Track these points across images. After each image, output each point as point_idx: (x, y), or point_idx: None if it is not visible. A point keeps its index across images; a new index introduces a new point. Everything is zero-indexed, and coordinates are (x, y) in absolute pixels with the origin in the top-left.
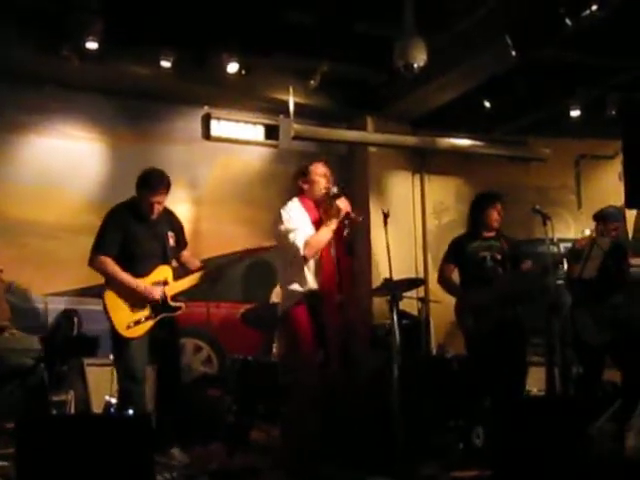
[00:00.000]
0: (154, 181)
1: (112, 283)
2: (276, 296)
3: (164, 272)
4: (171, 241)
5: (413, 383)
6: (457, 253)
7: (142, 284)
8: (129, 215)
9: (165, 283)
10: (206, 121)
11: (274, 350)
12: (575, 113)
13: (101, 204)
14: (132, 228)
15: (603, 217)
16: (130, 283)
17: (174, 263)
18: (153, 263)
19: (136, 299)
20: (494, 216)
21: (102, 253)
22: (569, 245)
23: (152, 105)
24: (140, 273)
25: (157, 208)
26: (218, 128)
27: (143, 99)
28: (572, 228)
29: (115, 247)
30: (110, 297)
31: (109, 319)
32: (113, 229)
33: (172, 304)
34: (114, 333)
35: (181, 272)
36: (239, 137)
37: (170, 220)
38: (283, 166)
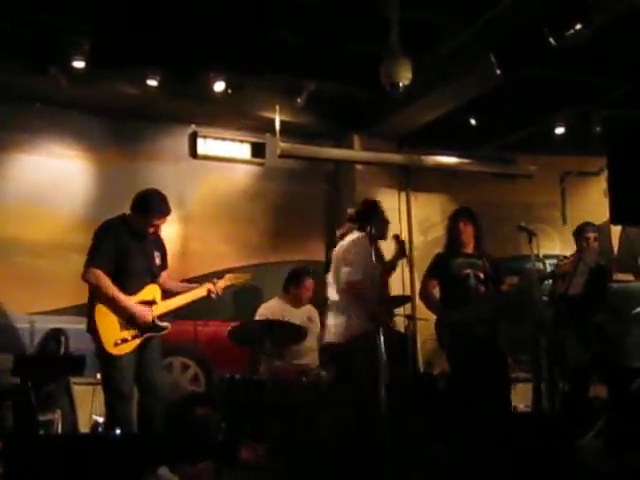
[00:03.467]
0: (161, 204)
1: (103, 298)
2: (264, 313)
3: (153, 291)
4: (157, 260)
5: (401, 400)
6: (440, 269)
7: (136, 305)
8: (124, 230)
9: (153, 302)
10: (193, 139)
11: (261, 367)
12: (560, 130)
13: (88, 222)
14: (126, 243)
15: (579, 230)
16: (123, 302)
17: None
18: (142, 281)
19: (125, 317)
20: (461, 229)
21: (97, 266)
22: (554, 261)
23: (139, 124)
24: (130, 290)
25: (156, 229)
26: (205, 146)
27: (130, 118)
28: (557, 244)
29: (109, 261)
30: (100, 312)
31: (95, 335)
32: (108, 242)
33: (159, 324)
34: (100, 351)
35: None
36: (226, 155)
37: (156, 239)
38: (270, 184)
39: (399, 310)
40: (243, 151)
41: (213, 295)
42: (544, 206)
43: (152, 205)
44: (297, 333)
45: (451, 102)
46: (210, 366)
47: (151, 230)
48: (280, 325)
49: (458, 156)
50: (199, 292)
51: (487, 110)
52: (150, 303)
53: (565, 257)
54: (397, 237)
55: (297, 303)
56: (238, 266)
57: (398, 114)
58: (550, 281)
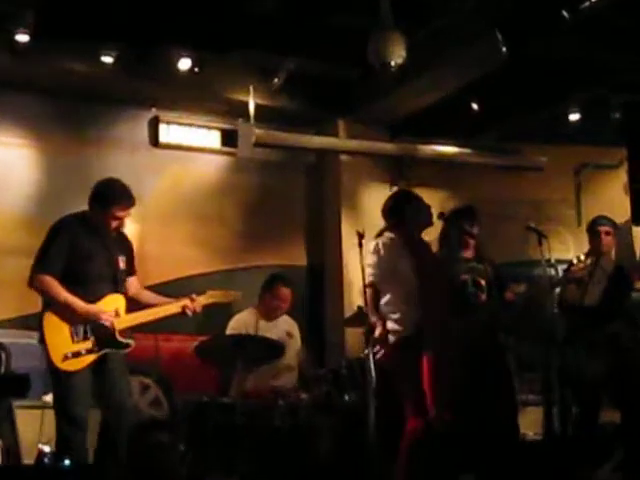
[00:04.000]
0: (119, 192)
1: (55, 306)
2: (235, 326)
3: (116, 301)
4: (122, 264)
5: (392, 426)
6: None
7: (91, 306)
8: (81, 228)
9: (116, 314)
10: (154, 125)
11: (232, 389)
12: (574, 117)
13: (34, 220)
14: (82, 244)
15: (591, 225)
16: (75, 304)
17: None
18: (103, 288)
19: (79, 325)
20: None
21: (45, 272)
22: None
23: (91, 107)
24: (87, 299)
25: (119, 224)
26: (167, 133)
27: (81, 100)
28: (571, 247)
29: (60, 265)
30: (50, 320)
31: (44, 347)
32: (60, 244)
33: (120, 339)
34: (50, 367)
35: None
36: (192, 144)
37: (122, 241)
38: (242, 177)
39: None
40: (212, 139)
41: (189, 313)
42: (556, 203)
43: (112, 195)
44: (273, 350)
45: (450, 84)
46: (173, 387)
47: (113, 225)
48: (254, 340)
49: (458, 146)
50: (172, 308)
51: (491, 93)
52: (112, 315)
53: (579, 259)
54: (442, 214)
55: (271, 315)
56: (204, 272)
57: (390, 97)
58: (560, 289)
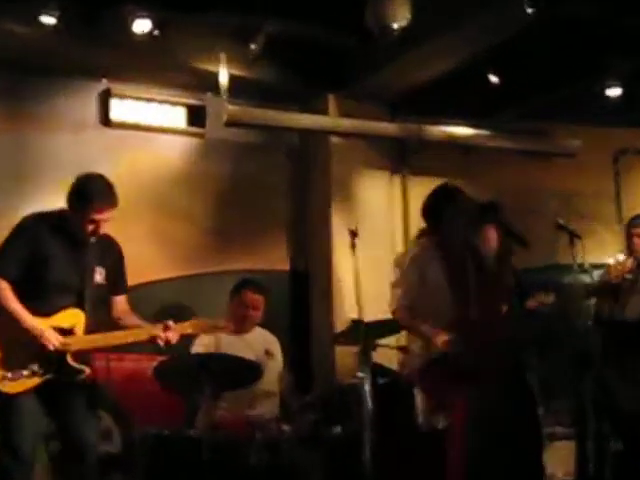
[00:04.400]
0: (103, 191)
1: (2, 315)
2: (203, 343)
3: (74, 317)
4: (97, 277)
5: (392, 464)
6: None
7: (36, 322)
8: (47, 229)
9: (70, 332)
10: (104, 100)
11: (199, 419)
12: (614, 92)
13: None
14: (46, 247)
15: (628, 225)
16: (21, 317)
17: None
18: (63, 301)
19: (25, 344)
20: (491, 237)
21: None
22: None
23: (29, 77)
24: (42, 310)
25: (102, 228)
26: (121, 110)
27: (17, 68)
28: (609, 249)
29: (17, 270)
30: None
31: None
32: (19, 245)
33: (72, 364)
34: None
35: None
36: (150, 122)
37: (105, 250)
38: (212, 163)
39: (389, 340)
40: (176, 117)
41: (161, 343)
42: (591, 197)
43: (90, 193)
44: (249, 372)
45: (463, 51)
46: (128, 417)
47: (90, 229)
48: (225, 360)
49: (473, 127)
50: (146, 333)
51: (513, 63)
52: (65, 332)
53: (617, 260)
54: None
55: (240, 327)
56: (166, 278)
57: (391, 68)
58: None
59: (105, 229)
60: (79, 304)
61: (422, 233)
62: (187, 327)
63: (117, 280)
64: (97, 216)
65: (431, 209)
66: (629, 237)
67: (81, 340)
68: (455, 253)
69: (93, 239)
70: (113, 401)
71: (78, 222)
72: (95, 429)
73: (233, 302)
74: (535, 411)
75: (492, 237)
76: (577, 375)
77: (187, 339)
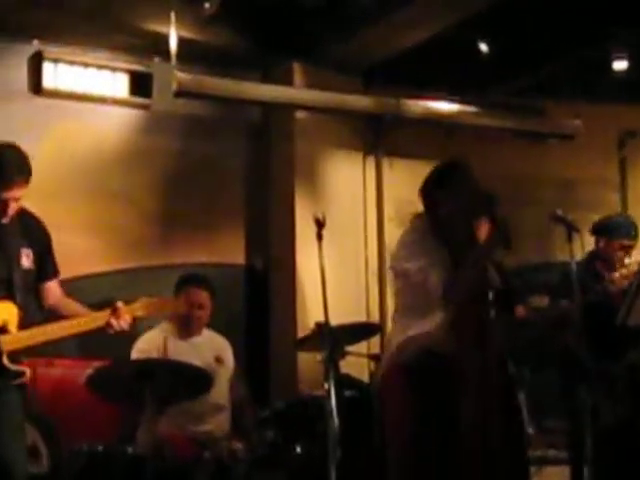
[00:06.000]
0: (9, 166)
1: None
2: (144, 348)
3: (4, 311)
4: (25, 261)
5: None
6: None
7: None
8: None
9: (3, 330)
10: (35, 65)
11: (139, 435)
12: (620, 65)
13: None
14: None
15: (607, 230)
16: None
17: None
18: None
19: None
20: (483, 230)
21: None
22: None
23: None
24: None
25: (12, 208)
26: (54, 76)
27: None
28: None
29: None
30: None
31: None
32: None
33: (9, 366)
34: None
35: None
36: (88, 91)
37: (27, 229)
38: (158, 139)
39: (360, 346)
40: (116, 85)
41: (116, 328)
42: (593, 184)
43: (7, 168)
44: (197, 381)
45: (449, 16)
46: (56, 432)
47: (5, 210)
48: (170, 368)
49: (460, 102)
50: (92, 322)
51: (506, 30)
52: None
53: (623, 264)
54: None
55: (185, 330)
56: (104, 272)
57: (365, 33)
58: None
59: (14, 210)
60: (8, 296)
61: (418, 216)
62: (137, 309)
63: (47, 263)
64: (6, 194)
65: (426, 187)
66: (604, 244)
67: (17, 337)
68: (457, 240)
69: (5, 220)
70: (40, 413)
71: None
72: (24, 446)
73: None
74: (522, 430)
75: (484, 231)
76: (573, 391)
77: (126, 339)
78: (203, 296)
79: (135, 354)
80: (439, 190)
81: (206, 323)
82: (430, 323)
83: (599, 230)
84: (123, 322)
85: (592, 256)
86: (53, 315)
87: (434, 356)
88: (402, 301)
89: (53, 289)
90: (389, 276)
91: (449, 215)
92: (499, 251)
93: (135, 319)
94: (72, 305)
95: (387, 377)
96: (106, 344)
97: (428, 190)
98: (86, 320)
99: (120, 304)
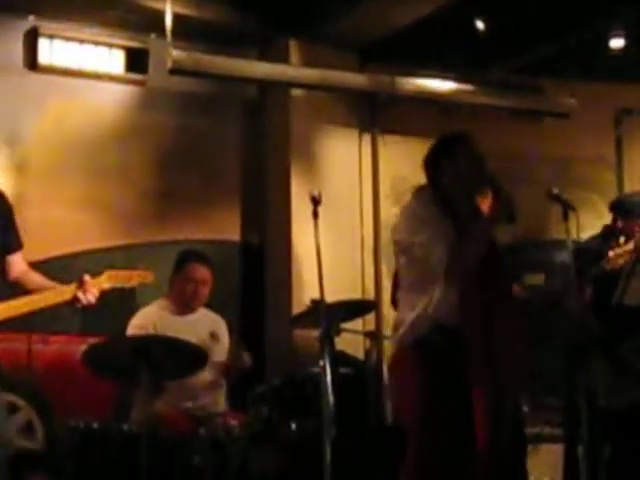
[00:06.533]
0: None
1: None
2: (141, 324)
3: None
4: None
5: (355, 467)
6: None
7: None
8: None
9: None
10: (31, 41)
11: (134, 412)
12: (617, 43)
13: None
14: None
15: (625, 209)
16: None
17: None
18: None
19: None
20: (486, 203)
21: None
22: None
23: None
24: None
25: None
26: (50, 52)
27: None
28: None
29: None
30: None
31: None
32: None
33: None
34: None
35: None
36: (84, 67)
37: None
38: (154, 116)
39: (355, 323)
40: (112, 62)
41: (83, 300)
42: (589, 163)
43: None
44: (192, 358)
45: None
46: (52, 408)
47: None
48: (165, 344)
49: (456, 80)
50: (55, 296)
51: (502, 8)
52: None
53: (617, 243)
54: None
55: (186, 306)
56: (101, 247)
57: (362, 9)
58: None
59: None
60: None
61: (420, 188)
62: (104, 280)
63: (9, 234)
64: None
65: (428, 159)
66: (623, 224)
67: None
68: (461, 212)
69: None
70: (35, 389)
71: None
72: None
73: (178, 278)
74: (519, 409)
75: (487, 205)
76: (570, 369)
77: (123, 315)
78: (205, 272)
79: (131, 330)
80: (444, 159)
81: (206, 300)
82: (433, 298)
83: (619, 209)
84: (90, 295)
85: (609, 231)
86: (19, 290)
87: (446, 332)
88: (407, 277)
89: (17, 262)
90: (385, 252)
91: (452, 184)
92: (503, 225)
93: (103, 292)
94: (37, 279)
95: (400, 355)
96: (101, 320)
97: (432, 159)
98: (52, 294)
99: (87, 277)
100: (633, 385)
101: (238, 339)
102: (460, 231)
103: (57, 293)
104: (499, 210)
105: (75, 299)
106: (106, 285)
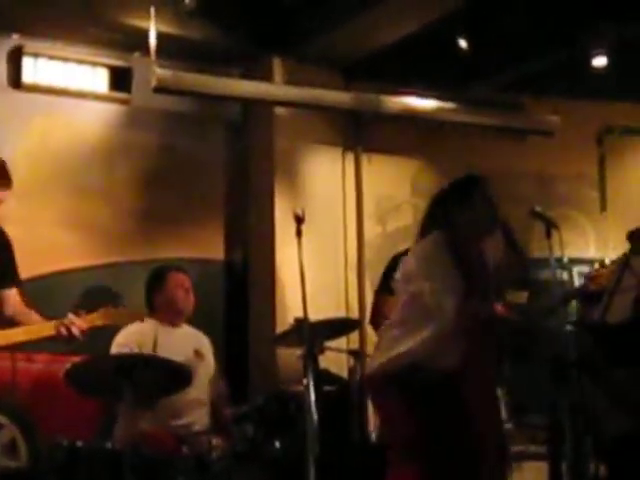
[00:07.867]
0: None
1: None
2: (125, 342)
3: None
4: None
5: None
6: None
7: None
8: None
9: None
10: (15, 59)
11: (118, 430)
12: (599, 61)
13: None
14: None
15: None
16: None
17: None
18: None
19: None
20: (497, 245)
21: None
22: (587, 269)
23: None
24: None
25: None
26: (34, 71)
27: None
28: (592, 241)
29: None
30: None
31: None
32: None
33: None
34: None
35: None
36: (68, 86)
37: None
38: (138, 135)
39: (339, 342)
40: (97, 80)
41: (65, 336)
42: (571, 181)
43: None
44: (176, 376)
45: (430, 12)
46: (36, 427)
47: None
48: (149, 363)
49: (439, 98)
50: (41, 330)
51: (485, 27)
52: None
53: (602, 264)
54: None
55: (174, 316)
56: (83, 266)
57: (346, 28)
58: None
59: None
60: None
61: (428, 226)
62: (96, 318)
63: (5, 270)
64: None
65: (452, 198)
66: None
67: None
68: (469, 257)
69: None
70: (19, 408)
71: None
72: None
73: (162, 290)
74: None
75: (498, 246)
76: (554, 387)
77: (108, 334)
78: (187, 279)
79: (115, 348)
80: (459, 202)
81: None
82: (419, 338)
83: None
84: (75, 329)
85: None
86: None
87: (424, 371)
88: (400, 313)
89: (13, 297)
90: (369, 271)
91: (467, 228)
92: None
93: (92, 328)
94: (31, 315)
95: (377, 383)
96: (88, 340)
97: (446, 200)
98: (39, 327)
99: (71, 316)
100: (626, 415)
101: (218, 368)
102: (467, 278)
103: (39, 328)
104: (516, 264)
105: (58, 334)
106: (98, 322)
